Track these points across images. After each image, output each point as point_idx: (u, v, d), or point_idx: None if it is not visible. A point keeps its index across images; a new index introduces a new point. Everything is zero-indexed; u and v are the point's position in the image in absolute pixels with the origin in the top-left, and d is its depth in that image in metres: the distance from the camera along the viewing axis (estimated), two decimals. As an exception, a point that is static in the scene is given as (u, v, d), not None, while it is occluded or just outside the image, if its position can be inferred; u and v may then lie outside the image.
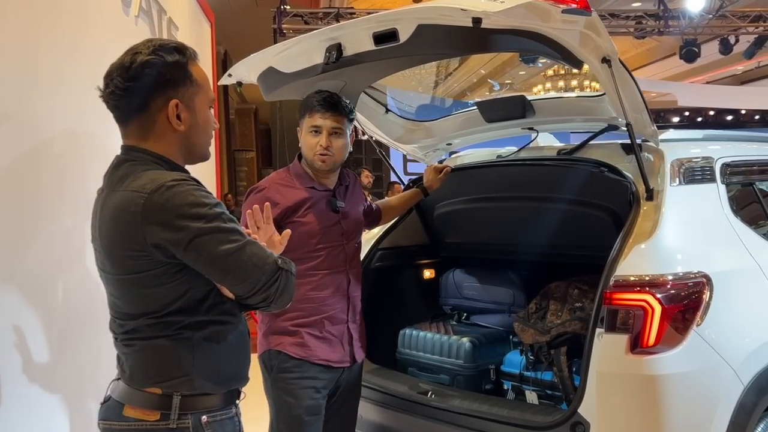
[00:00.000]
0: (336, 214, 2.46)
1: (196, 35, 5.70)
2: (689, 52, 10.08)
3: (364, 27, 2.34)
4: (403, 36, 2.25)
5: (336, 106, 2.44)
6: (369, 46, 2.36)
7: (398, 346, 3.28)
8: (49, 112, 2.46)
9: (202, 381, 1.57)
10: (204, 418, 1.56)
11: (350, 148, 2.51)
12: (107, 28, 3.21)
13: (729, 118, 18.41)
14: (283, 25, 9.08)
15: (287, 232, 1.75)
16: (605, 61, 2.32)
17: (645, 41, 12.20)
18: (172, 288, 1.52)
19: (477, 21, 2.02)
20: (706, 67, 14.17)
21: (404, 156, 4.10)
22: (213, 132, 1.69)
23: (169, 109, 1.55)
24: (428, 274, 3.59)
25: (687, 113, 18.42)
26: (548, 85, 15.02)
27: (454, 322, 3.35)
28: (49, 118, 2.46)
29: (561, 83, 14.63)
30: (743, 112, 18.12)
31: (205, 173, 5.43)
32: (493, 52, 2.38)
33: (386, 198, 3.57)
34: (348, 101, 2.52)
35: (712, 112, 18.30)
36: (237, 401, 1.69)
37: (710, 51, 11.25)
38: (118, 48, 1.63)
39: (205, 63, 5.85)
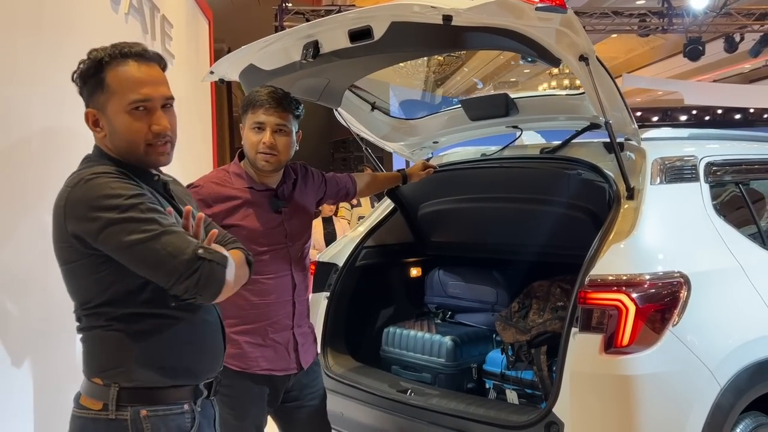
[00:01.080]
0: (278, 215, 2.34)
1: (192, 33, 5.70)
2: (693, 50, 10.02)
3: (340, 24, 2.34)
4: (378, 33, 2.25)
5: (281, 102, 2.29)
6: (345, 43, 2.36)
7: (382, 344, 3.28)
8: (27, 110, 2.46)
9: (141, 373, 1.56)
10: (143, 411, 1.55)
11: (296, 147, 2.37)
12: (94, 25, 3.21)
13: (737, 116, 18.29)
14: (285, 23, 9.10)
15: (213, 233, 1.62)
16: (583, 59, 2.30)
17: (651, 39, 12.13)
18: (99, 279, 1.54)
19: (447, 18, 2.01)
20: (713, 65, 14.03)
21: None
22: (152, 136, 1.59)
23: (84, 117, 1.61)
24: (414, 272, 3.59)
25: (694, 112, 18.30)
26: (554, 83, 14.97)
27: (439, 321, 3.35)
28: (27, 116, 2.47)
29: (566, 82, 14.57)
30: (752, 110, 17.97)
31: (204, 170, 5.44)
32: (467, 49, 2.39)
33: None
34: (295, 97, 2.38)
35: (719, 111, 18.18)
36: (197, 399, 1.65)
37: (716, 49, 11.17)
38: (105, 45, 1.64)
39: (202, 61, 5.89)
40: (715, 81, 16.07)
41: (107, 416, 1.55)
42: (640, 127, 2.59)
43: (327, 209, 7.21)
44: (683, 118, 18.51)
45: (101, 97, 1.58)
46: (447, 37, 2.21)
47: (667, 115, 18.28)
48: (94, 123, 1.60)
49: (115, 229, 1.47)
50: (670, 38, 12.13)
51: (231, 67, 2.77)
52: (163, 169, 1.77)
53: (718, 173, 2.74)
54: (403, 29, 2.19)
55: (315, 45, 2.40)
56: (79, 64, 1.60)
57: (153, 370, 1.57)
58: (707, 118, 18.49)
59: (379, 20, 2.23)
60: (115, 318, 1.56)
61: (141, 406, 1.55)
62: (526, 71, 14.69)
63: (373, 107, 3.27)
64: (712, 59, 12.31)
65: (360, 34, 2.30)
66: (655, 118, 18.10)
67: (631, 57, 15.09)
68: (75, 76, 1.60)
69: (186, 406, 1.61)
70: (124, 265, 1.51)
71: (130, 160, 1.62)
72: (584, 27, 2.14)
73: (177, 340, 1.61)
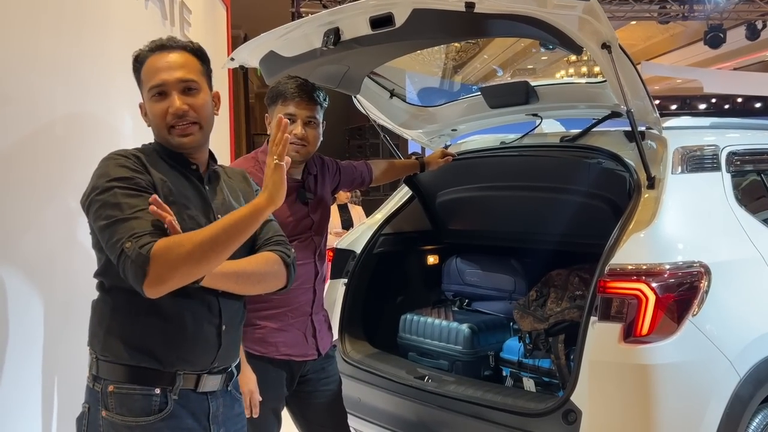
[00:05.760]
0: (305, 206, 2.40)
1: (210, 19, 5.71)
2: (714, 38, 9.90)
3: (361, 11, 2.33)
4: (399, 20, 2.25)
5: (311, 94, 2.33)
6: (366, 30, 2.35)
7: (399, 330, 3.29)
8: (50, 95, 2.48)
9: (109, 346, 1.62)
10: (110, 387, 1.60)
11: (321, 138, 2.41)
12: (114, 11, 3.22)
13: (758, 105, 18.03)
14: (301, 9, 9.09)
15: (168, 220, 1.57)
16: (605, 47, 2.29)
17: (671, 26, 11.98)
18: (99, 250, 1.63)
19: (470, 5, 2.01)
20: (734, 53, 13.84)
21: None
22: (170, 119, 1.67)
23: (140, 109, 1.75)
24: (431, 260, 3.60)
25: (714, 100, 18.07)
26: (571, 70, 14.85)
27: (456, 309, 3.36)
28: (51, 101, 2.49)
29: (584, 69, 14.44)
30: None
31: (221, 156, 5.46)
32: (489, 37, 2.38)
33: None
34: (322, 90, 2.42)
35: (740, 99, 17.94)
36: (172, 386, 1.62)
37: (737, 37, 11.02)
38: (126, 31, 1.74)
39: (220, 47, 5.90)
40: (735, 69, 15.86)
41: (90, 385, 1.66)
42: (660, 115, 2.57)
43: (343, 196, 7.23)
44: (702, 106, 18.27)
45: (142, 85, 1.73)
46: (469, 25, 2.20)
47: (686, 103, 18.06)
48: (144, 114, 1.74)
49: (91, 207, 1.58)
50: (690, 25, 11.97)
51: (251, 54, 2.78)
52: None
53: (740, 163, 2.72)
54: (424, 16, 2.19)
55: (336, 32, 2.40)
56: None
57: (120, 345, 1.61)
58: (727, 106, 18.25)
59: (401, 7, 2.22)
60: (105, 289, 1.66)
61: (110, 381, 1.61)
62: (543, 58, 14.58)
63: (392, 94, 3.26)
64: (733, 47, 12.14)
65: (381, 21, 2.29)
66: (674, 107, 17.89)
67: (651, 44, 14.92)
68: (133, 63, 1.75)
69: (157, 390, 1.61)
70: None
71: (166, 145, 1.73)
72: (604, 13, 2.14)
73: (147, 323, 1.61)
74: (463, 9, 2.03)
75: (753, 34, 10.39)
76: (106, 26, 3.02)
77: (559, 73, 15.00)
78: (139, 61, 1.72)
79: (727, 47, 10.84)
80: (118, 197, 1.54)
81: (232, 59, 2.86)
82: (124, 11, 3.40)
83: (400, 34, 2.29)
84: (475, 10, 2.03)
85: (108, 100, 2.84)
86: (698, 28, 11.41)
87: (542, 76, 14.82)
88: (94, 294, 1.73)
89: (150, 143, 1.76)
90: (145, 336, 1.62)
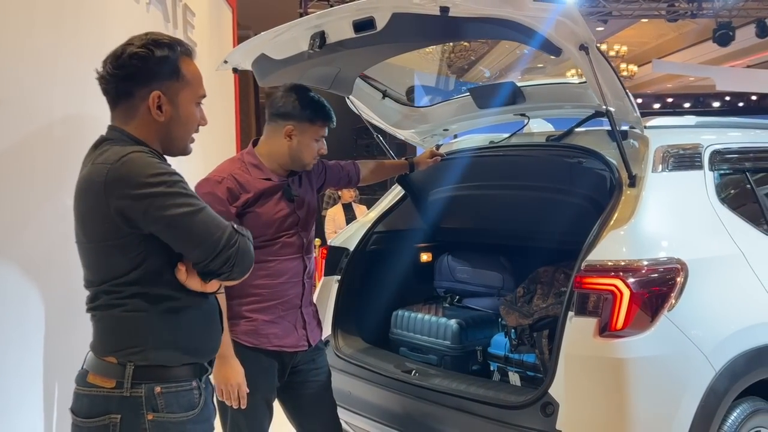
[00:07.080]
0: (291, 204, 2.48)
1: (215, 21, 5.79)
2: (723, 36, 9.87)
3: (345, 15, 2.40)
4: (380, 24, 2.32)
5: None
6: (350, 33, 2.42)
7: (391, 326, 3.36)
8: (49, 98, 2.56)
9: (156, 353, 1.63)
10: (157, 388, 1.61)
11: None
12: (115, 14, 3.30)
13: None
14: (309, 9, 9.17)
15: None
16: (583, 48, 2.34)
17: (682, 24, 11.92)
18: (131, 258, 1.59)
19: (444, 9, 2.07)
20: (746, 50, 13.73)
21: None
22: (196, 128, 1.76)
23: (150, 99, 1.65)
24: (424, 257, 3.65)
25: (727, 98, 17.93)
26: (580, 69, 14.78)
27: (447, 305, 3.41)
28: (50, 104, 2.57)
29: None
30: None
31: (225, 157, 5.54)
32: (466, 39, 2.45)
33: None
34: None
35: (754, 97, 17.79)
36: (201, 376, 1.74)
37: (747, 35, 10.95)
38: (127, 34, 1.74)
39: (225, 48, 5.97)
40: (748, 66, 15.73)
41: (121, 393, 1.60)
42: (668, 113, 2.61)
43: (347, 195, 7.30)
44: (716, 104, 18.13)
45: (175, 84, 1.68)
46: (446, 28, 2.26)
47: (699, 101, 17.94)
48: (158, 106, 1.66)
49: (164, 202, 1.53)
50: (701, 23, 11.92)
51: (244, 57, 2.85)
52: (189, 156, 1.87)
53: (724, 161, 2.75)
54: (404, 20, 2.25)
55: (321, 35, 2.47)
56: (142, 46, 1.65)
57: (168, 349, 1.65)
58: (741, 104, 18.10)
59: (382, 11, 2.29)
60: (141, 297, 1.61)
61: (155, 383, 1.62)
62: (551, 57, 14.52)
63: (384, 95, 3.32)
64: (745, 44, 12.07)
65: (364, 25, 2.36)
66: (687, 105, 17.79)
67: (662, 42, 14.84)
68: (156, 55, 1.65)
69: (194, 383, 1.70)
70: (166, 240, 1.59)
71: (169, 150, 1.73)
72: (612, 12, 2.17)
73: (190, 322, 1.69)
74: (438, 13, 2.09)
75: (763, 31, 10.34)
76: (106, 30, 3.09)
77: (569, 71, 14.96)
78: (180, 60, 1.68)
79: (739, 45, 10.79)
80: (187, 189, 1.59)
81: (226, 62, 2.93)
82: (126, 14, 3.48)
83: (381, 37, 2.35)
84: (450, 14, 2.09)
85: (106, 103, 2.92)
86: (710, 25, 11.35)
87: (551, 74, 14.77)
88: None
89: (141, 145, 1.64)
90: (190, 334, 1.70)
